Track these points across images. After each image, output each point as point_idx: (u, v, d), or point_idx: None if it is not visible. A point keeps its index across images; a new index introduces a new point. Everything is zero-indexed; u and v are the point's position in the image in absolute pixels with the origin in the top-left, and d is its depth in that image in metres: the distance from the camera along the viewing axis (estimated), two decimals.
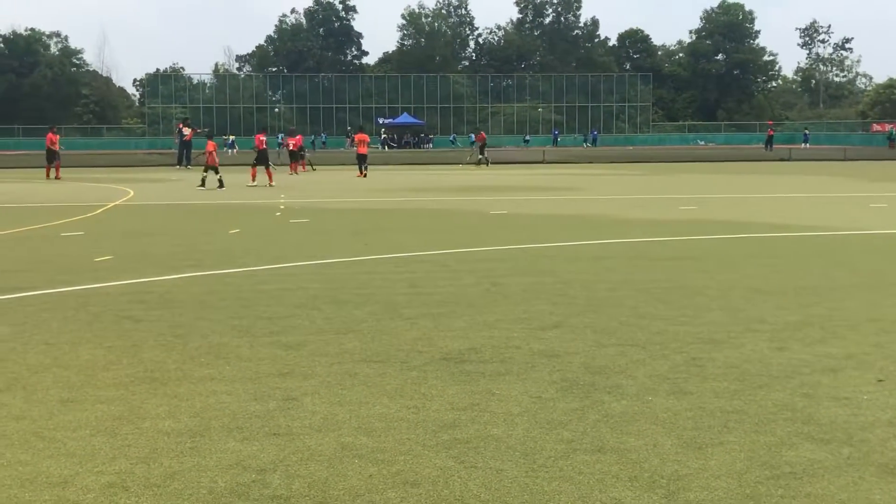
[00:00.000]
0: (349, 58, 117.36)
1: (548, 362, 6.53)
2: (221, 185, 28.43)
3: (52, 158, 36.49)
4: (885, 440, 4.87)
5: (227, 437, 4.96)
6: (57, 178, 35.54)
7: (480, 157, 48.17)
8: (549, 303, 8.88)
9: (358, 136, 39.99)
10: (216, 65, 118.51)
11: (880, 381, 6.04)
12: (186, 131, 46.08)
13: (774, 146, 66.21)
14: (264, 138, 32.91)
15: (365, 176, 36.04)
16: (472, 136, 61.07)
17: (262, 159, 31.62)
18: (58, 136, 37.58)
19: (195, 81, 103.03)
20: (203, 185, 28.72)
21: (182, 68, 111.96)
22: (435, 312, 8.42)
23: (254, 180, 30.74)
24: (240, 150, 70.77)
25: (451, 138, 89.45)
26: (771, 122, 79.80)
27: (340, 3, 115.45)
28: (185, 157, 45.30)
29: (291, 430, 5.07)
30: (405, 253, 12.80)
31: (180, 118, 40.46)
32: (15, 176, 39.34)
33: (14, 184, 33.07)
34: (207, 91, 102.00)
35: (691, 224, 16.81)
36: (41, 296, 9.44)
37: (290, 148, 42.13)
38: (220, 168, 29.88)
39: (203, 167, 30.21)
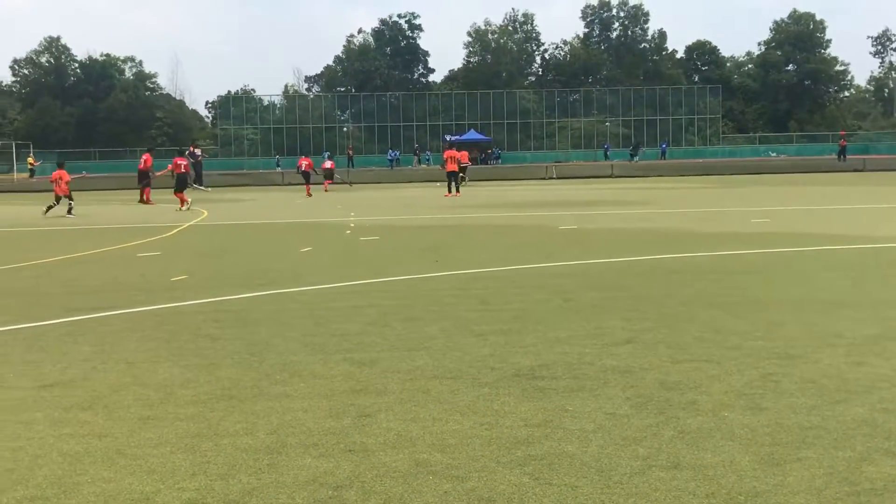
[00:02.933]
0: (416, 76, 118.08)
1: (621, 378, 6.49)
2: (69, 211, 27.96)
3: (142, 179, 35.47)
4: None
5: (303, 453, 5.02)
6: (146, 201, 34.39)
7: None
8: (621, 318, 8.82)
9: (448, 153, 38.52)
10: (286, 86, 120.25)
11: None
12: (198, 152, 46.19)
13: (847, 156, 64.91)
14: (309, 161, 42.65)
15: (457, 194, 35.06)
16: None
17: (306, 177, 41.27)
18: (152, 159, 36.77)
19: (265, 103, 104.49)
20: (47, 211, 27.85)
21: (252, 90, 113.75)
22: (506, 329, 8.43)
23: (309, 195, 38.31)
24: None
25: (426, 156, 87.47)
26: (843, 133, 78.13)
27: (407, 22, 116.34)
28: (198, 177, 44.94)
29: (366, 446, 5.12)
30: (475, 269, 12.83)
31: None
32: (93, 198, 40.26)
33: (92, 206, 33.82)
34: (277, 112, 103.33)
35: (764, 237, 16.57)
36: (120, 315, 9.66)
37: (303, 169, 42.60)
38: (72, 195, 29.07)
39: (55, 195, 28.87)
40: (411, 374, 6.75)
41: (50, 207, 27.83)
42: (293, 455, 5.00)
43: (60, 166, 29.75)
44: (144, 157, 36.67)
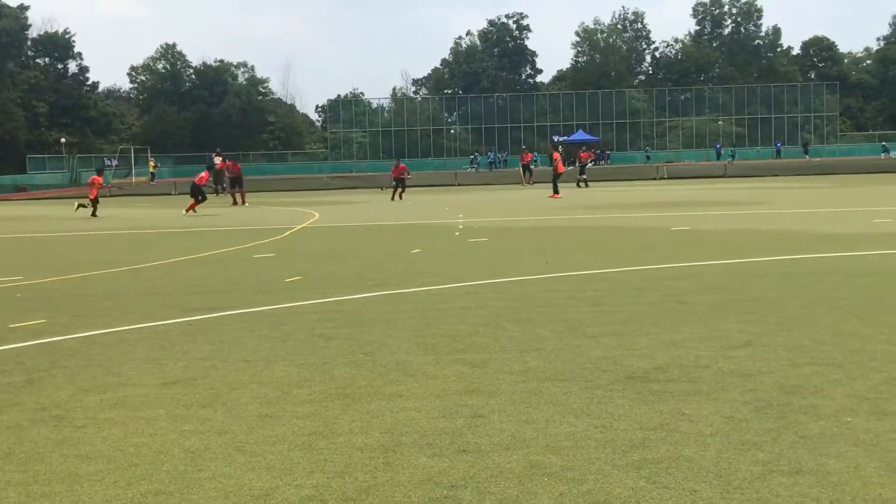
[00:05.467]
0: (524, 77, 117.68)
1: (739, 382, 6.35)
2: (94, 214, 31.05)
3: (233, 184, 37.65)
4: None
5: (417, 452, 5.06)
6: (235, 203, 36.36)
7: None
8: (738, 321, 8.64)
9: (556, 154, 38.67)
10: (394, 89, 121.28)
11: None
12: (217, 160, 44.58)
13: None
14: (404, 166, 40.17)
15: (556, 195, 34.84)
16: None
17: (400, 183, 38.78)
18: (228, 163, 39.55)
19: (374, 106, 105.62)
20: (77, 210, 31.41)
21: (361, 93, 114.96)
22: (619, 331, 8.34)
23: (392, 199, 37.34)
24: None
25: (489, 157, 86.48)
26: None
27: (514, 23, 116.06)
28: (220, 184, 43.01)
29: (480, 447, 5.12)
30: (586, 271, 12.73)
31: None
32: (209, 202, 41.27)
33: (209, 208, 34.70)
34: (386, 115, 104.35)
35: (887, 237, 16.02)
36: (237, 315, 9.88)
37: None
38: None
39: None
40: (523, 376, 6.73)
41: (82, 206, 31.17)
42: (408, 454, 5.03)
43: (99, 172, 34.71)
44: (227, 163, 39.06)
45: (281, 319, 9.49)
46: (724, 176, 51.86)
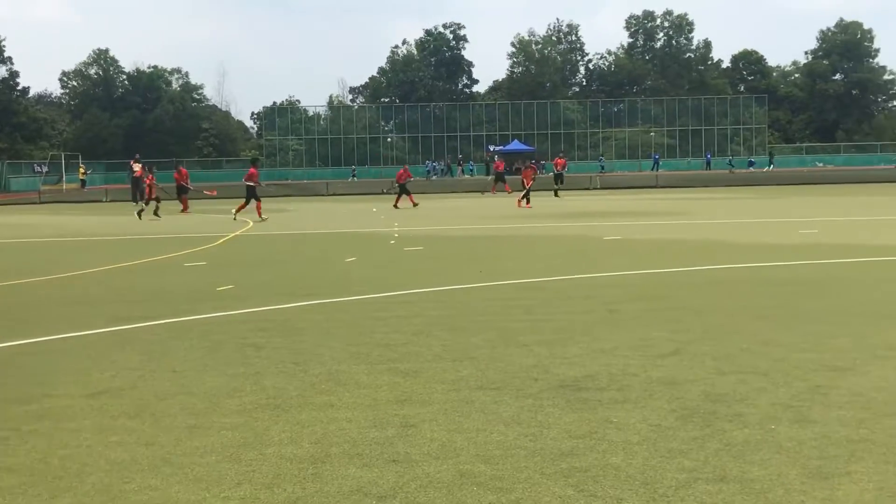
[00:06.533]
0: (460, 86, 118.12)
1: (666, 390, 6.45)
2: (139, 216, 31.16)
3: (181, 191, 37.18)
4: None
5: (347, 463, 5.04)
6: (184, 211, 35.97)
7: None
8: (667, 329, 8.76)
9: (524, 172, 37.28)
10: (330, 96, 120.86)
11: None
12: (136, 167, 43.61)
13: None
14: (401, 172, 38.65)
15: (527, 205, 34.11)
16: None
17: (403, 189, 37.21)
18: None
19: (310, 113, 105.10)
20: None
21: (298, 101, 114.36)
22: (550, 339, 8.40)
23: (396, 206, 35.90)
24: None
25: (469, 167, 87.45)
26: None
27: (451, 33, 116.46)
28: (137, 194, 41.60)
29: (410, 456, 5.12)
30: (520, 280, 12.81)
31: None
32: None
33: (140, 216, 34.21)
34: (322, 122, 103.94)
35: (813, 248, 16.37)
36: (167, 324, 9.76)
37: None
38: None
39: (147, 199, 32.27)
40: (455, 385, 6.75)
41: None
42: (337, 465, 5.02)
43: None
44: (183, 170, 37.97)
45: (212, 329, 9.40)
46: (655, 186, 52.54)
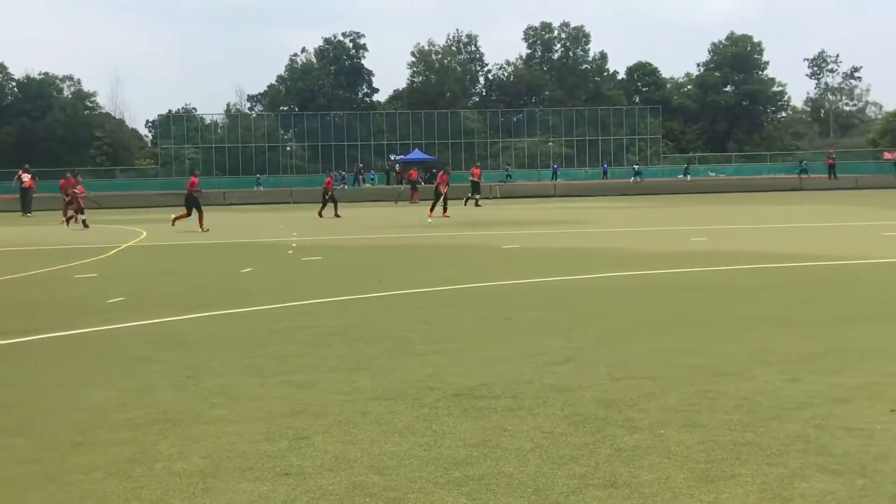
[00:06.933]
0: (360, 95, 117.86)
1: (560, 397, 6.51)
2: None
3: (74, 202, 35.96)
4: None
5: (238, 477, 4.96)
6: (65, 221, 34.42)
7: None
8: (562, 337, 8.86)
9: (440, 177, 36.36)
10: (228, 105, 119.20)
11: (893, 410, 6.00)
12: (26, 178, 43.10)
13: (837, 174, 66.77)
14: (329, 180, 38.08)
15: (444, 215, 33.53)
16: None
17: (330, 197, 36.23)
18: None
19: (207, 122, 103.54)
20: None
21: (194, 109, 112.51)
22: (448, 348, 8.42)
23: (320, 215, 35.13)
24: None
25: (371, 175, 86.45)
26: (832, 151, 79.10)
27: (351, 41, 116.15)
28: (26, 204, 42.26)
29: (303, 469, 5.07)
30: (418, 289, 12.82)
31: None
32: (33, 219, 39.57)
33: (31, 227, 33.26)
34: (219, 131, 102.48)
35: (704, 256, 16.78)
36: (55, 338, 9.48)
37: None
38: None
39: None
40: (350, 396, 6.70)
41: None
42: (228, 479, 4.93)
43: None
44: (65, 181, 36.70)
45: (101, 342, 9.17)
46: (553, 195, 53.27)
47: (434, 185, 36.97)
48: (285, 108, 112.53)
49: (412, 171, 53.95)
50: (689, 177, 79.11)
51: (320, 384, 7.11)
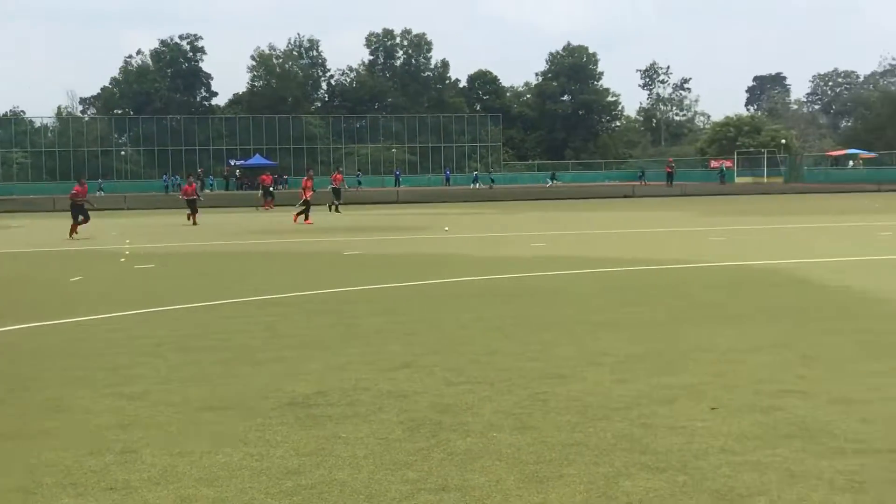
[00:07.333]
0: (199, 99, 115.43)
1: (395, 403, 6.54)
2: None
3: None
4: (717, 467, 5.06)
5: (60, 493, 4.78)
6: None
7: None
8: (401, 343, 8.91)
9: (305, 182, 35.62)
10: (59, 108, 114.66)
11: (713, 409, 6.28)
12: None
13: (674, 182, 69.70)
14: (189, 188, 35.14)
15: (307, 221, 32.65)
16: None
17: (191, 204, 34.18)
18: None
19: (37, 125, 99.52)
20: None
21: (23, 111, 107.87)
22: (288, 356, 8.34)
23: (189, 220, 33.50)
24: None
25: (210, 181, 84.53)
26: (671, 160, 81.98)
27: (189, 44, 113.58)
28: None
29: (129, 483, 4.92)
30: (260, 296, 12.62)
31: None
32: None
33: None
34: (50, 135, 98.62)
35: (542, 261, 17.14)
36: None
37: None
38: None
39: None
40: (182, 407, 6.55)
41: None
42: (49, 496, 4.75)
43: None
44: None
45: None
46: (396, 202, 53.45)
47: (299, 190, 36.07)
48: (119, 112, 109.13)
49: (266, 177, 52.67)
50: (553, 182, 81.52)
51: (151, 395, 6.92)
